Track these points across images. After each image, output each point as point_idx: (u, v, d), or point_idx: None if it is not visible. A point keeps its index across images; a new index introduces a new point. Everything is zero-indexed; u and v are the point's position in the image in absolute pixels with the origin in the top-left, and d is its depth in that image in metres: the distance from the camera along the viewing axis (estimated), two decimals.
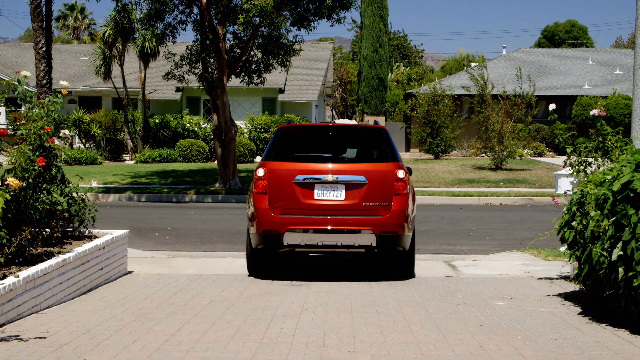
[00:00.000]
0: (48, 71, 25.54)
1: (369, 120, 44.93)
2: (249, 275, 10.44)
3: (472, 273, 10.95)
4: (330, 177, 9.90)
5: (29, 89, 9.02)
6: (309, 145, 10.86)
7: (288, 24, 26.50)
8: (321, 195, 9.91)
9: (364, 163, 10.28)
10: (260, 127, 38.93)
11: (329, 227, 9.82)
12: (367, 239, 9.84)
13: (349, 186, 9.91)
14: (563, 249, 11.36)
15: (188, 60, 27.37)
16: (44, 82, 25.37)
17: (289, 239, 9.83)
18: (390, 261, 10.89)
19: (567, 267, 10.47)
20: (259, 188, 9.99)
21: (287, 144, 10.56)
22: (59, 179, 9.19)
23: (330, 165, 10.05)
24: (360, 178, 9.91)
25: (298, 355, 6.25)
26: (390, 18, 70.19)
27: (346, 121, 12.74)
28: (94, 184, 11.81)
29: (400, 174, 10.00)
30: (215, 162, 31.97)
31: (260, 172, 10.04)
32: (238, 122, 36.39)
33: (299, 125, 11.49)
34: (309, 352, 6.35)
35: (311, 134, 11.20)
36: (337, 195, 9.89)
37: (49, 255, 8.48)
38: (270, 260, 10.82)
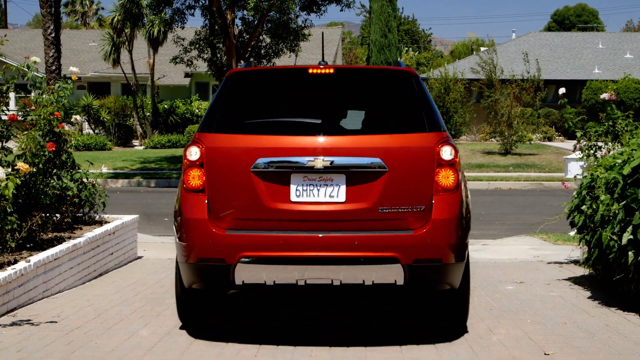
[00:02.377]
0: (57, 57, 25.58)
1: None
2: (180, 328, 6.52)
3: (481, 257, 10.94)
4: (319, 161, 5.79)
5: (38, 74, 9.04)
6: (280, 104, 6.54)
7: (297, 8, 26.47)
8: (303, 193, 5.84)
9: (380, 134, 6.03)
10: None
11: (317, 254, 5.71)
12: (389, 272, 5.73)
13: (354, 177, 5.85)
14: (573, 233, 11.35)
15: (197, 46, 27.37)
16: (53, 68, 25.41)
17: (246, 274, 5.74)
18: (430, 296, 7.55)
19: (577, 251, 10.46)
20: (192, 182, 5.95)
21: (241, 103, 6.32)
22: (69, 164, 9.23)
23: (319, 139, 5.89)
24: (374, 162, 5.83)
25: (307, 340, 6.27)
26: (399, 3, 70.20)
27: None
28: (104, 170, 11.80)
29: (446, 152, 5.94)
30: None
31: (193, 153, 5.98)
32: None
33: (264, 69, 6.97)
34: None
35: (285, 85, 6.54)
36: (333, 194, 5.84)
37: (60, 240, 8.52)
38: (217, 303, 7.31)
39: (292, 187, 5.84)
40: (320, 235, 5.73)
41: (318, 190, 5.84)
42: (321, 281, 5.75)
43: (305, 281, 5.75)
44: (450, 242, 5.87)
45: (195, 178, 5.93)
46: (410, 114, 6.24)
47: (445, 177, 5.90)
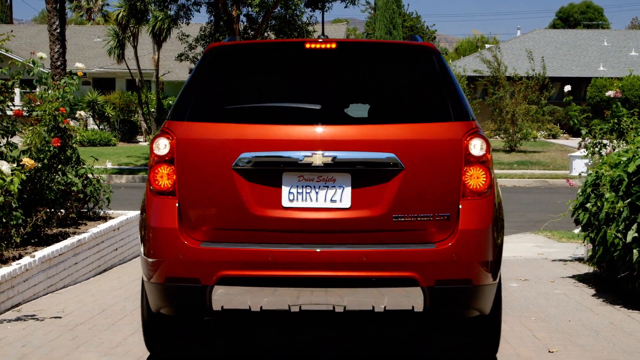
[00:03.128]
0: (62, 53, 25.59)
1: None
2: (149, 359, 5.55)
3: None
4: (318, 157, 4.67)
5: (44, 70, 9.05)
6: (270, 86, 5.32)
7: (302, 4, 26.49)
8: (298, 197, 4.72)
9: (394, 124, 4.85)
10: None
11: (315, 273, 4.61)
12: (405, 296, 4.65)
13: (362, 177, 4.73)
14: (577, 230, 11.33)
15: (202, 42, 27.40)
16: (59, 63, 25.42)
17: (225, 298, 4.66)
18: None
19: (581, 249, 10.44)
20: (160, 182, 4.82)
21: (222, 85, 5.20)
22: (74, 159, 9.25)
23: (318, 130, 4.76)
24: (387, 158, 4.71)
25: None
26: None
27: None
28: (109, 165, 11.85)
29: (477, 146, 4.79)
30: None
31: (162, 146, 4.85)
32: None
33: (251, 42, 5.50)
34: None
35: (277, 64, 5.32)
36: (335, 198, 4.71)
37: (64, 236, 8.54)
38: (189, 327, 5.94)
39: (284, 189, 4.71)
40: (319, 250, 4.61)
41: (317, 193, 4.72)
42: (320, 307, 4.66)
43: (300, 307, 4.65)
44: (481, 258, 4.74)
45: (163, 177, 4.79)
46: (432, 99, 5.06)
47: (475, 178, 4.77)
